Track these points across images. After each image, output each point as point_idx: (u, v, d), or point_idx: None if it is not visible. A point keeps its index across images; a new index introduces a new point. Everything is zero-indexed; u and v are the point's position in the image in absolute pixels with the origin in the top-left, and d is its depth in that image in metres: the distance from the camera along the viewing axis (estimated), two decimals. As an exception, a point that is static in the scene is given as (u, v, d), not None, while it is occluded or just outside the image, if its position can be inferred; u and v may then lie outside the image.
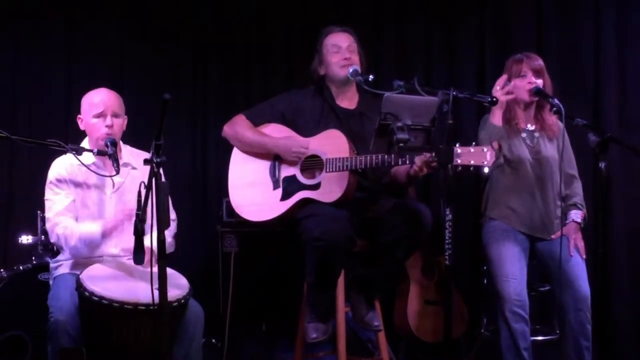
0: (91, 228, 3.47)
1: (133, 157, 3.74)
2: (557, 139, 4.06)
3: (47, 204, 3.57)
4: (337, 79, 3.88)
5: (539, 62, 3.99)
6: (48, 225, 3.56)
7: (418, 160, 3.44)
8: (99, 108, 3.58)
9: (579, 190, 4.11)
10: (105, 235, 3.48)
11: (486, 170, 3.53)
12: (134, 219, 2.96)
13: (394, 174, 3.82)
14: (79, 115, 3.68)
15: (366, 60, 3.95)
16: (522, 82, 3.95)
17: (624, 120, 4.84)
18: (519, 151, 3.98)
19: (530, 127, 4.06)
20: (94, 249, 3.50)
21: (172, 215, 3.75)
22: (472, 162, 3.22)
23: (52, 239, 3.56)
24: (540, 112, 4.06)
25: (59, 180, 3.56)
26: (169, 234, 3.65)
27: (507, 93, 3.76)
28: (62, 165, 3.58)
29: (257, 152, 3.87)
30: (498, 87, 3.74)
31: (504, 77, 3.80)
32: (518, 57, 4.02)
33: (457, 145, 3.22)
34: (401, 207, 3.66)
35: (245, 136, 3.88)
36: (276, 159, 3.83)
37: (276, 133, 3.88)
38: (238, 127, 3.92)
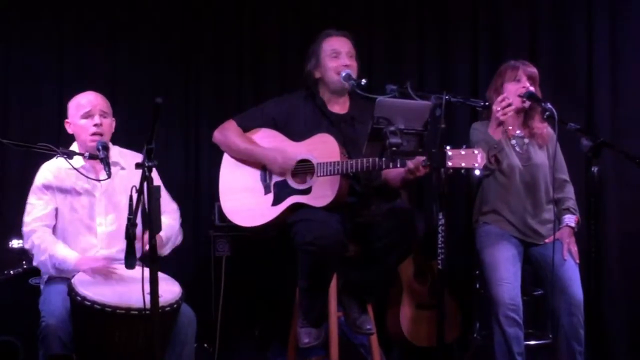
0: (67, 254, 3.44)
1: (122, 157, 3.72)
2: (546, 146, 4.06)
3: (27, 207, 3.55)
4: (333, 85, 3.86)
5: (534, 70, 4.01)
6: (25, 229, 3.53)
7: (410, 163, 3.44)
8: (87, 108, 3.58)
9: (571, 195, 4.11)
10: (77, 269, 3.41)
11: (477, 172, 3.53)
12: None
13: (385, 176, 3.82)
14: (66, 120, 3.66)
15: (360, 63, 3.94)
16: (515, 86, 3.95)
17: (616, 125, 4.85)
18: (509, 158, 3.98)
19: (520, 133, 4.06)
20: (60, 273, 3.45)
21: (173, 205, 3.79)
22: (463, 164, 3.22)
23: (26, 245, 3.53)
24: (529, 119, 4.06)
25: (44, 186, 3.54)
26: (175, 223, 3.70)
27: (506, 113, 3.75)
28: (50, 170, 3.57)
29: (246, 160, 3.86)
30: (499, 108, 3.73)
31: (505, 97, 3.77)
32: (513, 63, 4.03)
33: (448, 147, 3.22)
34: (393, 213, 3.64)
35: (235, 144, 3.87)
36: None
37: (267, 139, 3.87)
38: (228, 133, 3.90)
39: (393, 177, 3.76)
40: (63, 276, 3.42)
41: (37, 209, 3.53)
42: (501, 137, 3.86)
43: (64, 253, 3.45)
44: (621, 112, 4.88)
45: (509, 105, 3.75)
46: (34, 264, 3.53)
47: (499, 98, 3.77)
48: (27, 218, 3.54)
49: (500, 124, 3.79)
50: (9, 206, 4.76)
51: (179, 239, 3.74)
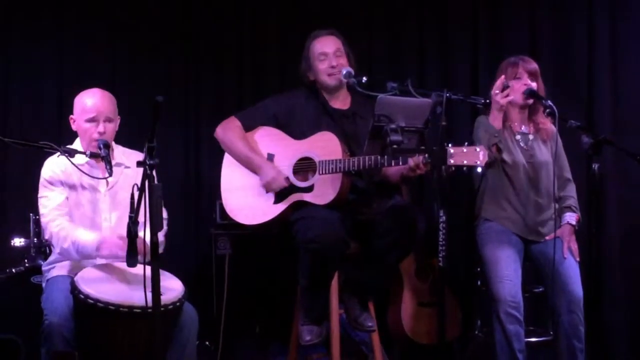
0: (87, 237, 3.45)
1: (125, 156, 3.73)
2: (550, 142, 4.07)
3: (41, 201, 3.56)
4: (326, 86, 3.89)
5: (534, 65, 4.01)
6: (44, 221, 3.55)
7: (411, 160, 3.44)
8: (91, 113, 3.56)
9: (573, 193, 4.11)
10: (99, 250, 3.45)
11: (479, 170, 3.53)
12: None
13: (385, 172, 3.82)
14: (71, 116, 3.66)
15: (355, 57, 3.95)
16: (517, 84, 3.95)
17: (617, 123, 4.86)
18: (513, 154, 3.98)
19: (525, 129, 4.07)
20: (85, 257, 3.48)
21: (164, 214, 3.74)
22: (465, 162, 3.22)
23: (46, 236, 3.57)
24: (533, 115, 4.07)
25: (52, 179, 3.55)
26: (160, 233, 3.65)
27: (506, 96, 3.78)
28: (56, 164, 3.57)
29: (243, 164, 3.87)
30: (497, 91, 3.76)
31: (503, 78, 3.81)
32: (513, 60, 4.03)
33: (450, 145, 3.22)
34: (395, 211, 3.65)
35: (235, 147, 3.87)
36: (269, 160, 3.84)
37: (268, 137, 3.88)
38: (230, 133, 3.90)
39: (393, 172, 3.77)
40: (81, 262, 3.48)
41: (51, 200, 3.53)
42: (502, 126, 3.87)
43: (85, 237, 3.45)
44: (621, 109, 4.88)
45: (507, 87, 3.77)
46: (57, 252, 3.53)
47: (497, 82, 3.79)
48: (43, 210, 3.55)
49: (501, 110, 3.80)
50: (10, 204, 4.77)
51: (160, 249, 3.72)
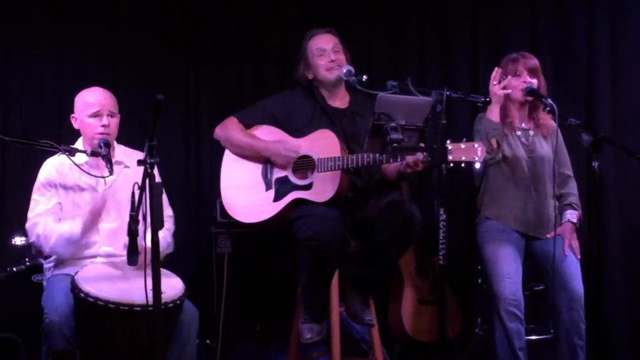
0: (71, 226, 3.47)
1: (126, 156, 3.73)
2: (551, 138, 4.06)
3: (31, 203, 3.57)
4: (326, 81, 3.90)
5: (535, 62, 4.01)
6: (28, 225, 3.55)
7: (410, 157, 3.45)
8: (95, 108, 3.57)
9: (574, 190, 4.11)
10: (86, 229, 3.47)
11: (477, 165, 3.54)
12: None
13: (384, 170, 3.83)
14: (72, 115, 3.66)
15: (355, 57, 3.97)
16: (517, 81, 3.95)
17: (617, 121, 4.86)
18: (514, 150, 3.99)
19: (525, 125, 4.07)
20: (75, 247, 3.49)
21: (169, 211, 3.76)
22: (463, 158, 3.22)
23: (32, 239, 3.55)
24: (534, 111, 4.07)
25: (48, 182, 3.56)
26: (168, 233, 3.66)
27: (504, 87, 3.78)
28: (53, 166, 3.58)
29: (248, 155, 3.87)
30: (495, 82, 3.77)
31: (499, 70, 3.81)
32: (513, 56, 4.03)
33: (448, 141, 3.23)
34: (392, 207, 3.67)
35: (236, 139, 3.89)
36: (268, 160, 3.84)
37: (267, 135, 3.89)
38: (229, 129, 3.92)
39: (391, 170, 3.78)
40: (75, 257, 3.50)
41: (40, 204, 3.54)
42: (502, 121, 3.87)
43: (67, 227, 3.47)
44: (622, 108, 4.88)
45: (505, 87, 3.78)
46: (47, 252, 3.54)
47: (493, 73, 3.79)
48: (30, 214, 3.56)
49: (499, 101, 3.80)
50: (11, 203, 4.77)
51: (169, 249, 3.74)
